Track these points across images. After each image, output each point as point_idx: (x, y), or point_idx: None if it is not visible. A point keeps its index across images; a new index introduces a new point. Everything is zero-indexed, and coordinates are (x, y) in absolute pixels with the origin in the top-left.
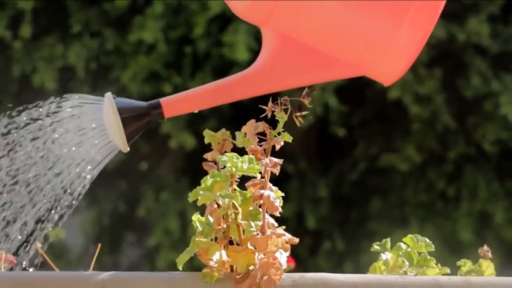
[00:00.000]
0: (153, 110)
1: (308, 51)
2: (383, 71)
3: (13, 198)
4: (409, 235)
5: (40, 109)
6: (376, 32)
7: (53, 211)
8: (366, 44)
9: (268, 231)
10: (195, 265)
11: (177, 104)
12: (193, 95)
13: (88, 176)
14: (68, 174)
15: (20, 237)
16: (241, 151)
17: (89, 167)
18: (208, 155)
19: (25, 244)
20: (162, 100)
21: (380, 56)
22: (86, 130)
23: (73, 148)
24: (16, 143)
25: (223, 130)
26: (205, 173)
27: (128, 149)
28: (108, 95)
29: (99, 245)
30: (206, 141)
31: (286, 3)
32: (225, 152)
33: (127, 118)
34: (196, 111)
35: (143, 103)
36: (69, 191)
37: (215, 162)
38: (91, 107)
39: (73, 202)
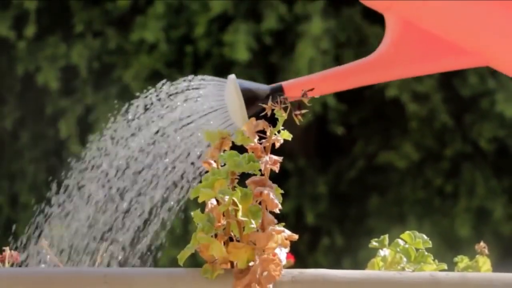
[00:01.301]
0: (275, 93)
1: (432, 38)
2: (508, 64)
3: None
4: (407, 232)
5: (170, 88)
6: (505, 26)
7: (172, 193)
8: (495, 36)
9: (268, 228)
10: (198, 262)
11: (299, 88)
12: (315, 80)
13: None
14: (188, 155)
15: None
16: (241, 149)
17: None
18: (207, 153)
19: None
20: (284, 84)
21: (507, 49)
22: (208, 111)
23: (196, 129)
24: (145, 121)
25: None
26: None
27: None
28: (232, 77)
29: (104, 243)
30: (205, 139)
31: None
32: (225, 150)
33: (250, 100)
34: (317, 96)
35: (265, 86)
36: (192, 171)
37: (215, 160)
38: (213, 88)
39: (194, 183)
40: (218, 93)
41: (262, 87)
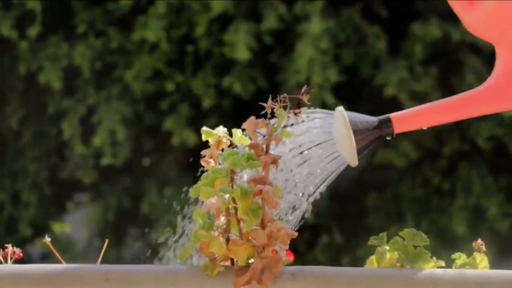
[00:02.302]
0: (383, 125)
1: None
2: None
3: None
4: (405, 229)
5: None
6: None
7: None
8: None
9: (268, 225)
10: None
11: (407, 120)
12: (424, 112)
13: (316, 191)
14: (295, 188)
15: None
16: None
17: (316, 181)
18: (205, 152)
19: None
20: (392, 116)
21: None
22: (315, 143)
23: (304, 161)
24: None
25: (220, 127)
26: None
27: (357, 163)
28: (340, 109)
29: (107, 240)
30: (204, 138)
31: None
32: (222, 149)
33: (359, 132)
34: (425, 128)
35: (373, 118)
36: (295, 206)
37: (213, 159)
38: (320, 120)
39: (300, 219)
40: (325, 125)
41: (370, 119)
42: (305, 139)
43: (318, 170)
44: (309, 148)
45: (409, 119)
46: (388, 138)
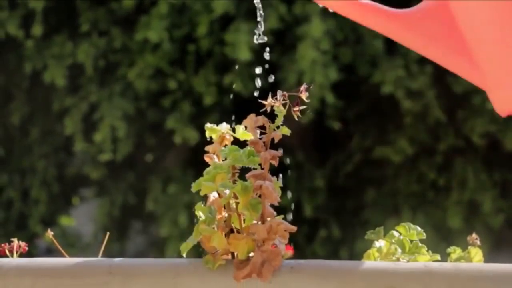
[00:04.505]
0: None
1: (455, 30)
2: (504, 99)
3: None
4: (402, 224)
5: None
6: None
7: None
8: (504, 63)
9: (268, 220)
10: (200, 254)
11: None
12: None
13: None
14: None
15: None
16: (241, 144)
17: None
18: (209, 148)
19: None
20: None
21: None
22: None
23: None
24: None
25: (223, 124)
26: (209, 165)
27: None
28: None
29: (108, 233)
30: (207, 134)
31: None
32: (226, 145)
33: None
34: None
35: None
36: None
37: (216, 155)
38: None
39: None
40: None
41: None
42: None
43: None
44: None
45: None
46: None
